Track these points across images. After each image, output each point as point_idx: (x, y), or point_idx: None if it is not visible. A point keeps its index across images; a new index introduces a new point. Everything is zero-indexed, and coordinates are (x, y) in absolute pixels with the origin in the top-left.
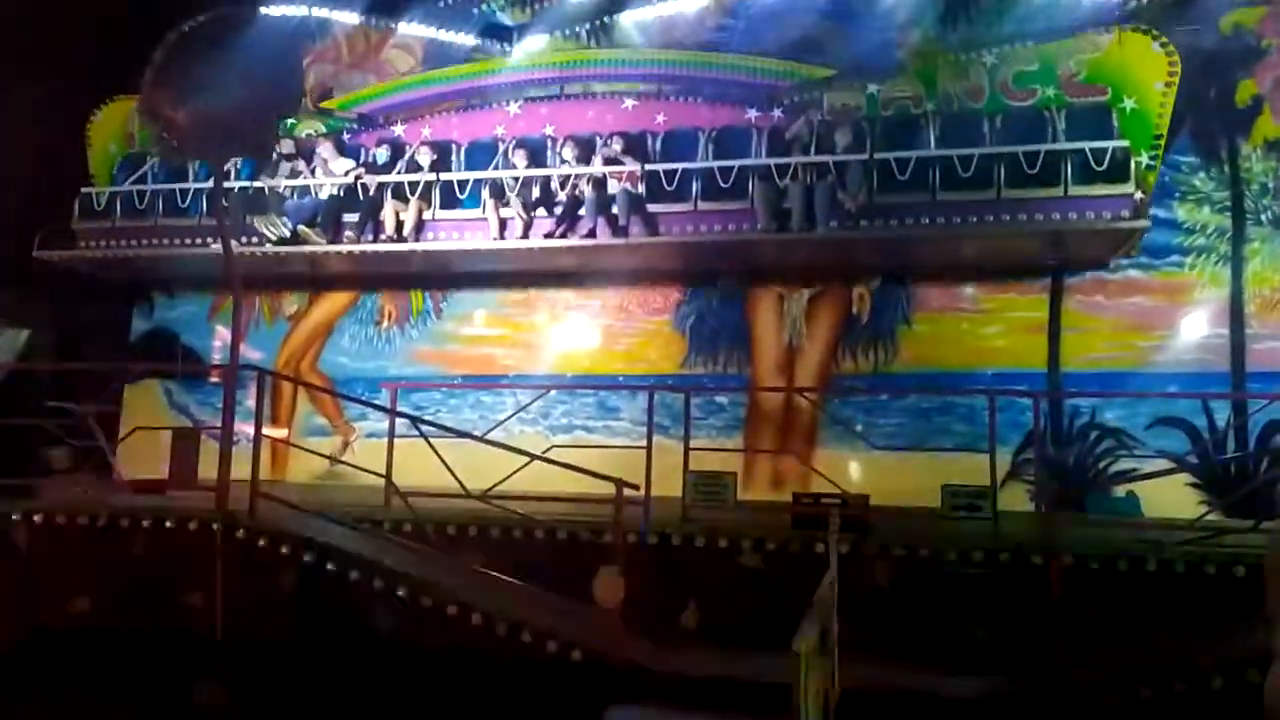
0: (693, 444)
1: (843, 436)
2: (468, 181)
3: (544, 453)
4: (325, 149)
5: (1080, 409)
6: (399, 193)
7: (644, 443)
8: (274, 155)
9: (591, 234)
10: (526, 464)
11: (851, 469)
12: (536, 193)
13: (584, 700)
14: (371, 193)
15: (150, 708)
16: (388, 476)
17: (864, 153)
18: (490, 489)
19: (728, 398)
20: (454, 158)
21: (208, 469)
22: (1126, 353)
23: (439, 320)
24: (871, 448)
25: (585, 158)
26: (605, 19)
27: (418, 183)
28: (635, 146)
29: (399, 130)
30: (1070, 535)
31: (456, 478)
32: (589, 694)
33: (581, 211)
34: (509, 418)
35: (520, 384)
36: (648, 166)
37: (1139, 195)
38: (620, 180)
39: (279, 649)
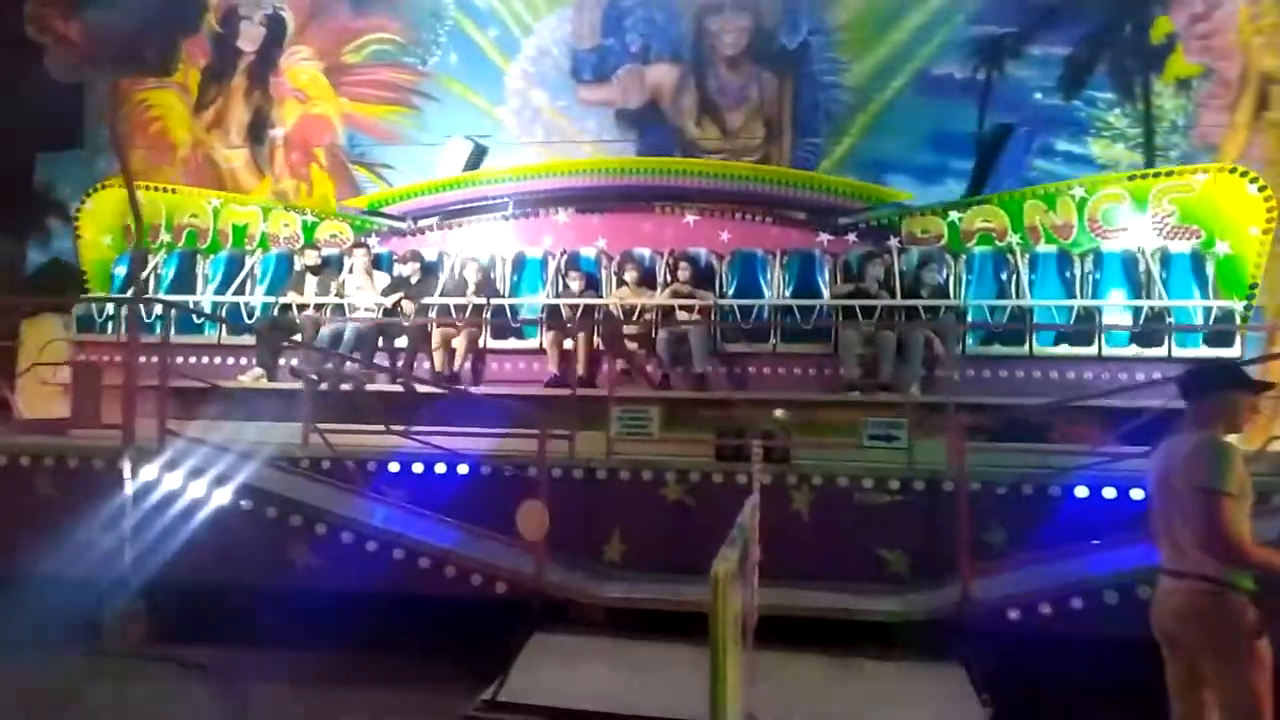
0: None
1: None
2: (519, 308)
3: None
4: (359, 260)
5: None
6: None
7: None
8: (297, 266)
9: (665, 382)
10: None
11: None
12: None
13: (510, 633)
14: (412, 317)
15: (63, 651)
16: (307, 413)
17: (949, 293)
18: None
19: None
20: (498, 274)
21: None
22: None
23: None
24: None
25: (648, 282)
26: None
27: (465, 306)
28: (703, 273)
29: (434, 235)
30: (979, 463)
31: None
32: (515, 626)
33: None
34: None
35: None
36: (727, 301)
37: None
38: (691, 314)
39: (195, 588)
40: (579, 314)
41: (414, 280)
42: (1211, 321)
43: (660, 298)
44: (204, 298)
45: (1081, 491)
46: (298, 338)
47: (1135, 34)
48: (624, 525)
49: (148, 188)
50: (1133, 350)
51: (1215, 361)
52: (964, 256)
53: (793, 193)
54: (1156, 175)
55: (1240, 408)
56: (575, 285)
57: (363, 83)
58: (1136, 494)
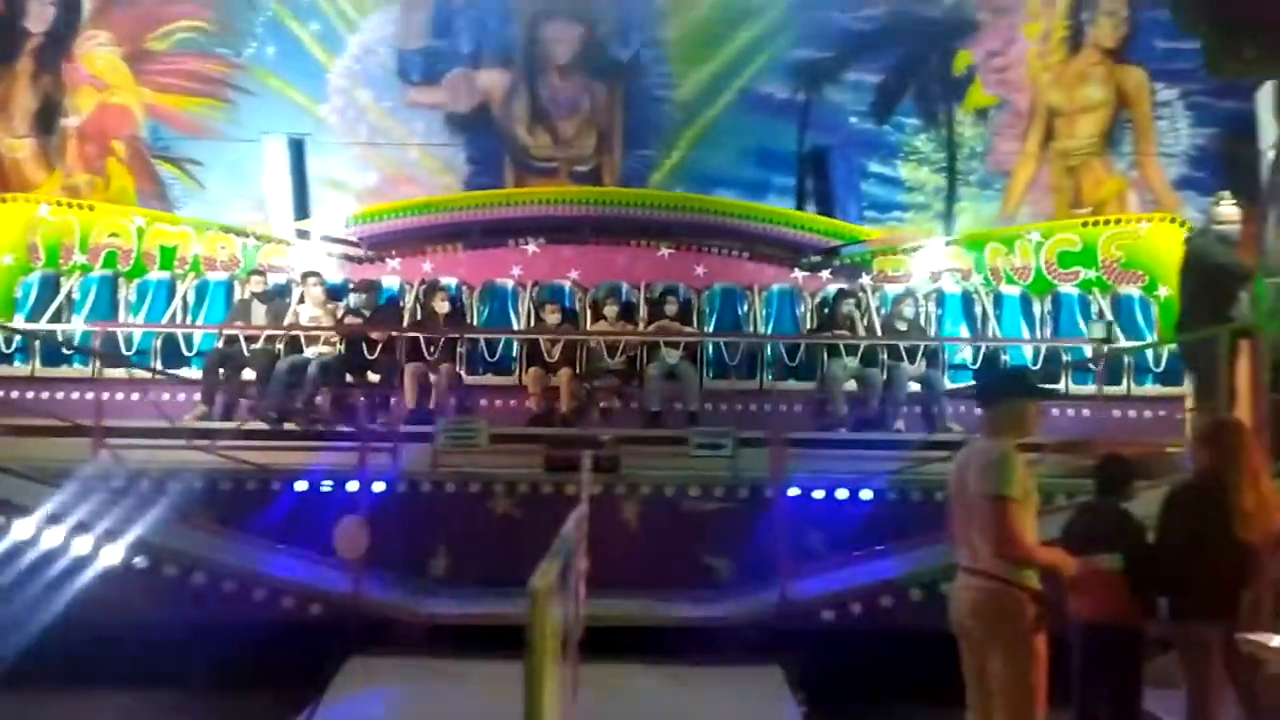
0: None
1: None
2: (498, 341)
3: None
4: (313, 290)
5: None
6: (414, 350)
7: None
8: (242, 294)
9: (656, 418)
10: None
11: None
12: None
13: (327, 655)
14: (377, 349)
15: None
16: (96, 423)
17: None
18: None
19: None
20: (467, 303)
21: None
22: None
23: None
24: None
25: (627, 316)
26: None
27: (437, 339)
28: (686, 308)
29: (394, 264)
30: (801, 468)
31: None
32: (333, 648)
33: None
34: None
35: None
36: (718, 337)
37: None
38: (678, 350)
39: None
40: (559, 348)
41: (367, 311)
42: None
43: (646, 332)
44: (135, 325)
45: (891, 494)
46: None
47: (939, 65)
48: (450, 540)
49: (59, 203)
50: (1092, 389)
51: (1006, 370)
52: (934, 295)
53: (767, 228)
54: (1107, 223)
55: (1029, 414)
56: (552, 318)
57: (169, 72)
58: (939, 496)
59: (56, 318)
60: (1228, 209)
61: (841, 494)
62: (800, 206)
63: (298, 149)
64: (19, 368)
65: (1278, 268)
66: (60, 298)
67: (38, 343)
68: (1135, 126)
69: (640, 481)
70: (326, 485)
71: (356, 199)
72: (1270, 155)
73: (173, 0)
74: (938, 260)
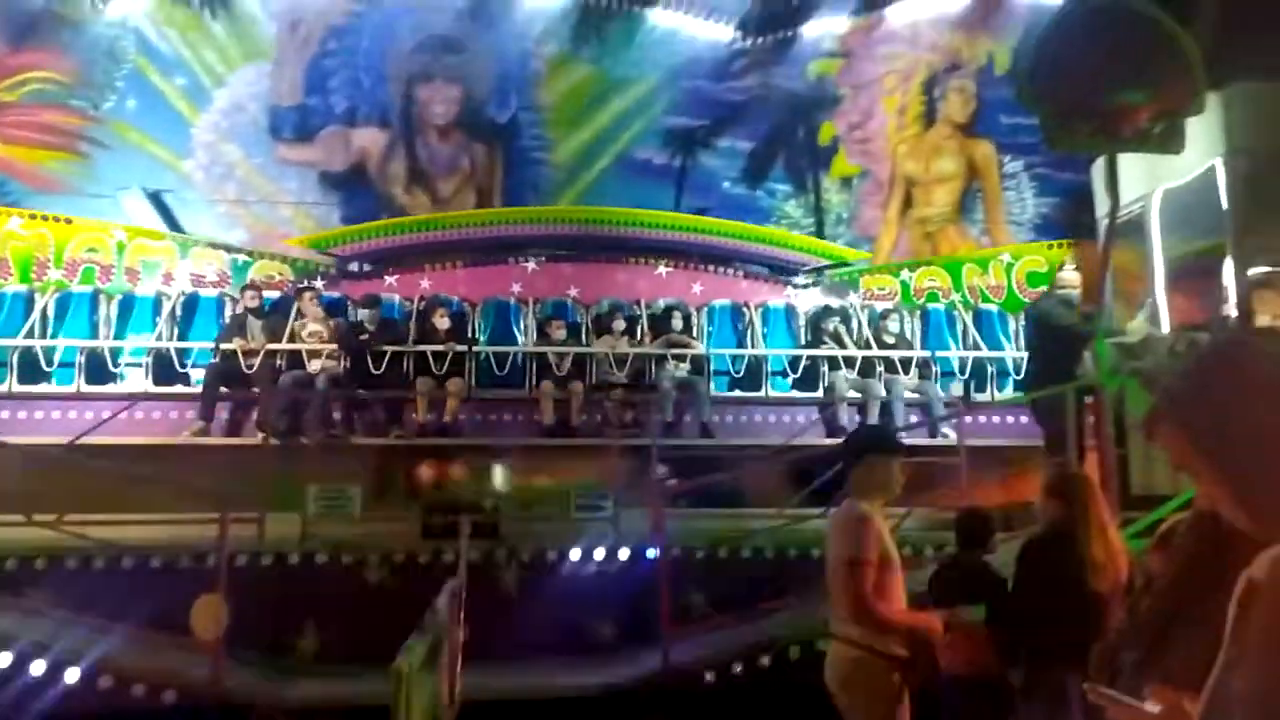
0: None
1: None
2: (507, 355)
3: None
4: (310, 305)
5: None
6: (422, 367)
7: None
8: (235, 310)
9: (674, 427)
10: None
11: (486, 473)
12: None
13: None
14: (384, 363)
15: None
16: None
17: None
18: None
19: None
20: (472, 321)
21: None
22: None
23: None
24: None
25: (632, 332)
26: None
27: (445, 354)
28: (687, 323)
29: (389, 280)
30: (680, 529)
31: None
32: None
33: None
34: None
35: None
36: (721, 351)
37: None
38: (685, 364)
39: None
40: (569, 361)
41: (371, 326)
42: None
43: (652, 347)
44: (132, 342)
45: (769, 552)
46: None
47: (806, 136)
48: (319, 615)
49: (33, 216)
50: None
51: (864, 428)
52: (916, 311)
53: (759, 248)
54: (1064, 245)
55: (890, 473)
56: (558, 334)
57: (20, 124)
58: (815, 553)
59: (30, 335)
60: (1069, 274)
61: (723, 552)
62: None
63: (160, 205)
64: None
65: (1116, 329)
66: (35, 314)
67: (14, 358)
68: (986, 196)
69: (520, 546)
70: (183, 560)
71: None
72: (1104, 224)
73: (25, 49)
74: (920, 279)
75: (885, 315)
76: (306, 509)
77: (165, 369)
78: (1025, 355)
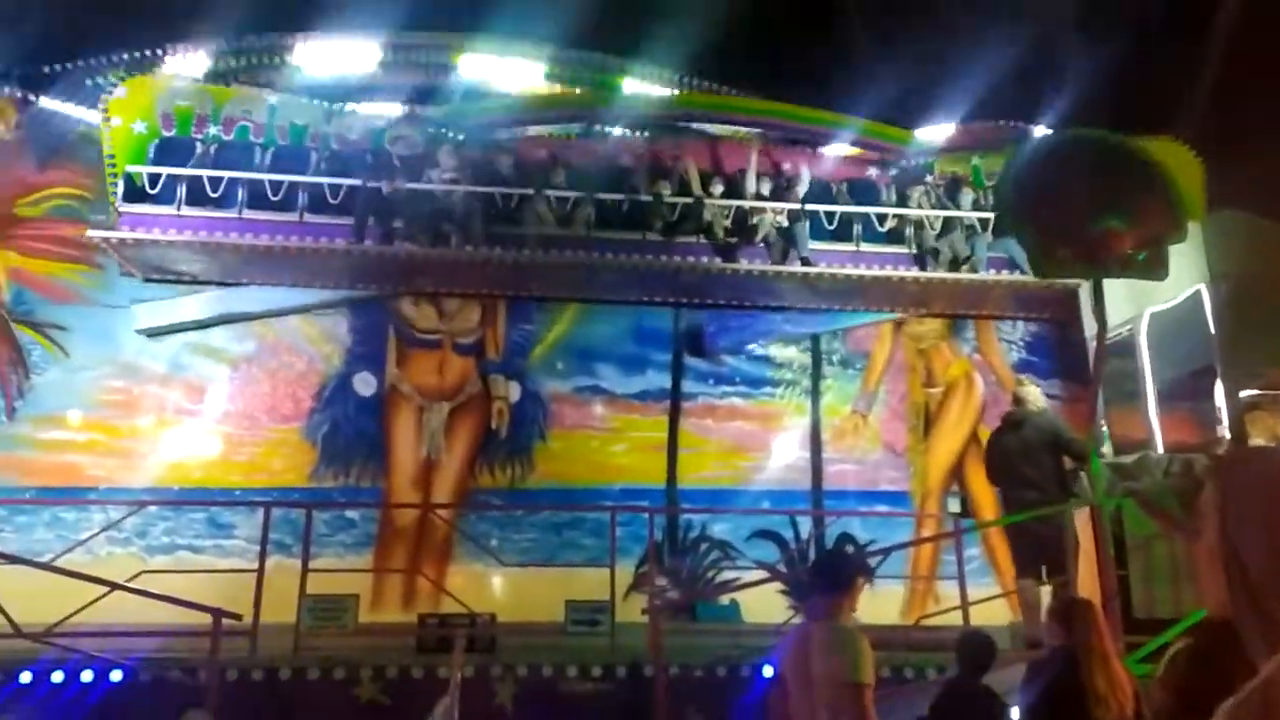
0: (314, 564)
1: (476, 552)
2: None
3: (133, 578)
4: (445, 158)
5: (693, 523)
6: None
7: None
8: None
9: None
10: (105, 594)
11: (483, 585)
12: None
13: None
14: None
15: None
16: None
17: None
18: (56, 624)
19: (358, 513)
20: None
21: None
22: (730, 471)
23: (10, 422)
24: (503, 564)
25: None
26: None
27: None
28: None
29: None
30: (677, 645)
31: (3, 612)
32: None
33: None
34: (91, 538)
35: (109, 500)
36: (834, 208)
37: None
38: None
39: None
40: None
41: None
42: None
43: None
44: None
45: (768, 671)
46: None
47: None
48: None
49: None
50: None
51: (853, 555)
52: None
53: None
54: None
55: (858, 590)
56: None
57: (39, 238)
58: None
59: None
60: (1029, 390)
61: (720, 670)
62: (677, 380)
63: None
64: None
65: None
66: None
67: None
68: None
69: (516, 662)
70: (173, 673)
71: (232, 367)
72: (1093, 345)
73: (51, 168)
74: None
75: (958, 188)
76: (301, 620)
77: (317, 202)
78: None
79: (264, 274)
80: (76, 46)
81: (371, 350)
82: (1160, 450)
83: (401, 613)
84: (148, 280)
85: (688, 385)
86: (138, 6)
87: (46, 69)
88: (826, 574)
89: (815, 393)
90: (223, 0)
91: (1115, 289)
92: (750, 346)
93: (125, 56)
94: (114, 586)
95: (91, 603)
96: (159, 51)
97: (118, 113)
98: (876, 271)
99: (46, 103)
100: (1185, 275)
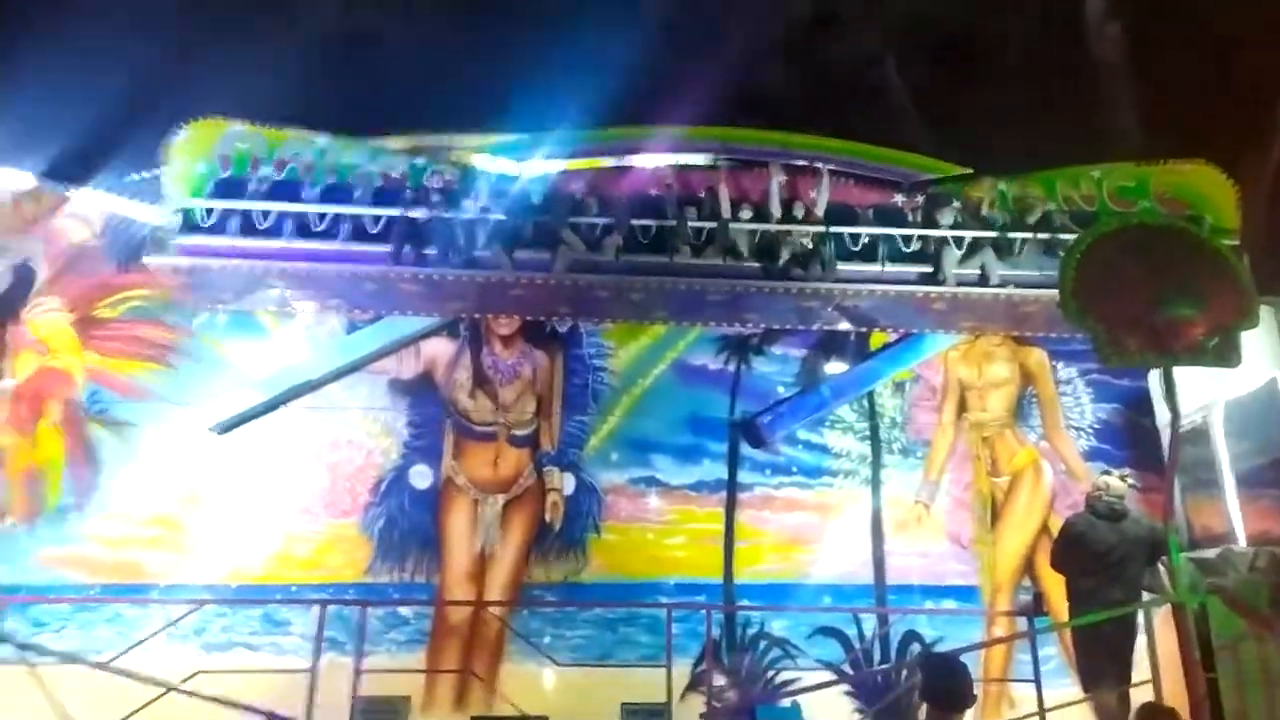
0: (368, 664)
1: (529, 651)
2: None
3: (188, 678)
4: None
5: (751, 619)
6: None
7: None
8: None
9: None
10: (161, 695)
11: (536, 686)
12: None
13: None
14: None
15: None
16: None
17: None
18: None
19: (412, 610)
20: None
21: None
22: (789, 565)
23: (81, 515)
24: (557, 663)
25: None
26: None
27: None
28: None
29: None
30: None
31: (66, 713)
32: None
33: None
34: (150, 636)
35: (170, 599)
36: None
37: None
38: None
39: None
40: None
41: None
42: None
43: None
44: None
45: None
46: None
47: (858, 341)
48: None
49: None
50: None
51: (960, 668)
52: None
53: (870, 162)
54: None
55: None
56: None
57: (116, 338)
58: None
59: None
60: (1115, 482)
61: None
62: (733, 470)
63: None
64: None
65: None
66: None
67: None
68: (1040, 401)
69: None
70: None
71: (293, 462)
72: (1168, 435)
73: (131, 270)
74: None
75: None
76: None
77: (359, 232)
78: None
79: (308, 295)
80: (158, 153)
81: (428, 442)
82: (1243, 543)
83: (453, 714)
84: (201, 309)
85: (744, 476)
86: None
87: (133, 175)
88: (947, 687)
89: (875, 482)
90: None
91: (1187, 375)
92: (807, 433)
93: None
94: (169, 689)
95: (148, 703)
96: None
97: (180, 154)
98: (903, 287)
99: (127, 208)
100: (1261, 360)
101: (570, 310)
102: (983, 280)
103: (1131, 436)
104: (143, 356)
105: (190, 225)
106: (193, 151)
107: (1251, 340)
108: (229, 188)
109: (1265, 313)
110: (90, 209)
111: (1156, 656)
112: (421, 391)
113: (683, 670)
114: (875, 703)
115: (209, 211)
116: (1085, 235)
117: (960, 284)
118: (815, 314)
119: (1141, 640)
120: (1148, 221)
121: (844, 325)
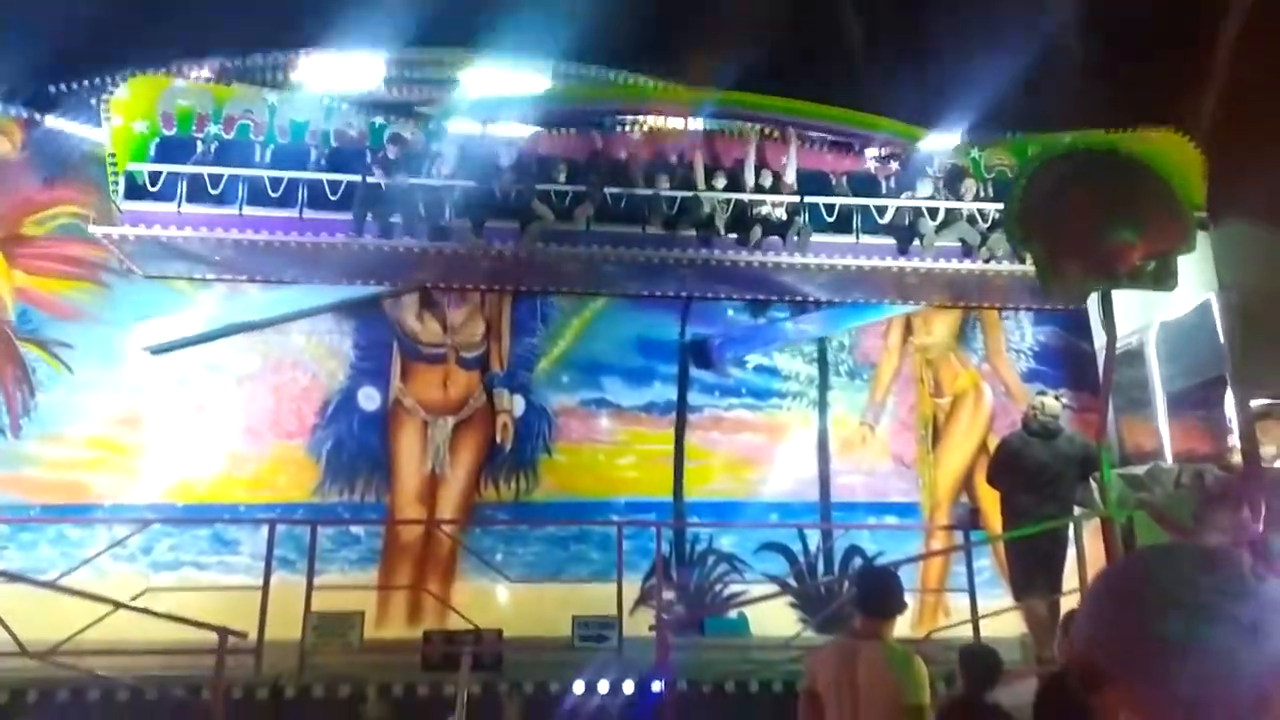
0: (319, 581)
1: (481, 568)
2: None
3: (138, 595)
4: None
5: (699, 536)
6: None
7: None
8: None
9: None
10: (109, 613)
11: (489, 601)
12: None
13: None
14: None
15: None
16: None
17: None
18: (61, 643)
19: (363, 529)
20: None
21: None
22: (738, 484)
23: (16, 440)
24: (509, 579)
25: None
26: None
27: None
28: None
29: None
30: (687, 660)
31: (9, 630)
32: None
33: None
34: (96, 556)
35: (115, 518)
36: (832, 200)
37: None
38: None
39: None
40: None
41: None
42: None
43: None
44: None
45: (778, 686)
46: None
47: None
48: None
49: (195, 78)
50: None
51: (890, 577)
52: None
53: (843, 126)
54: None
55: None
56: (664, 184)
57: (44, 256)
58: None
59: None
60: (1050, 401)
61: (730, 686)
62: (683, 392)
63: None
64: None
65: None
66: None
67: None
68: (984, 326)
69: (522, 678)
70: (178, 692)
71: (236, 383)
72: (1101, 355)
73: (56, 185)
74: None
75: (961, 178)
76: (306, 638)
77: (317, 198)
78: (999, 493)
79: (265, 269)
80: (82, 65)
81: (375, 365)
82: (1170, 460)
83: (407, 629)
84: (149, 278)
85: (694, 397)
86: (143, 26)
87: (53, 88)
88: (879, 596)
89: (822, 404)
90: (229, 20)
91: (1124, 299)
92: (756, 357)
93: (130, 74)
94: (118, 605)
95: (96, 621)
96: (164, 70)
97: (119, 112)
98: (878, 261)
99: (52, 122)
100: (1194, 285)
101: (540, 282)
102: (966, 251)
103: (1069, 358)
104: (74, 275)
105: (133, 191)
106: (132, 109)
107: (1186, 265)
108: (173, 148)
109: (1200, 238)
110: (10, 122)
111: (1085, 567)
112: (368, 314)
113: (633, 585)
114: (818, 613)
115: (154, 176)
116: (1031, 160)
117: (940, 258)
118: (789, 286)
119: (1071, 552)
120: (1093, 148)
121: (817, 296)
